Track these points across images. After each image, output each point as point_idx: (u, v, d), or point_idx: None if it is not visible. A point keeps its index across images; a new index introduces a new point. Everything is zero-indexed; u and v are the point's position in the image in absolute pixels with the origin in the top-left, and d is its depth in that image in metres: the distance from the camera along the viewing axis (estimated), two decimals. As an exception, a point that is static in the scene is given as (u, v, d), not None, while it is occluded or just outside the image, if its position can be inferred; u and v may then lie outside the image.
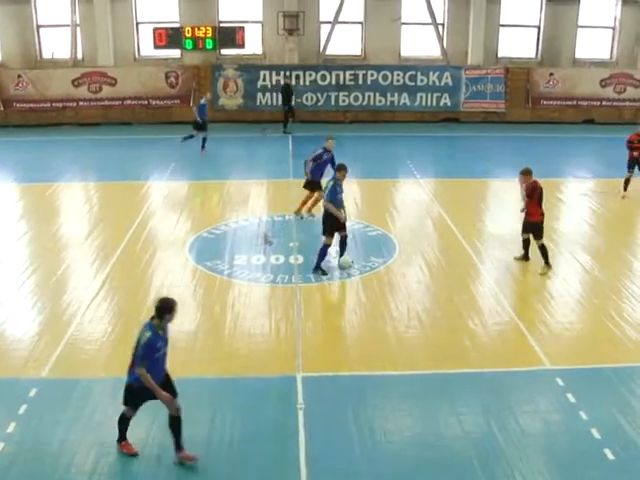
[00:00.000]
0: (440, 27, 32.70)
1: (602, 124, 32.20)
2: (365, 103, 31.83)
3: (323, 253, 14.95)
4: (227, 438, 9.36)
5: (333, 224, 14.90)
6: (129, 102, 31.29)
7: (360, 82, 31.59)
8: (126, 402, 8.96)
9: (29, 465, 8.83)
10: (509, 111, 32.42)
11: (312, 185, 18.33)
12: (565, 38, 33.35)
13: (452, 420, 9.94)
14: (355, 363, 11.48)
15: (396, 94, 31.79)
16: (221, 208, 19.90)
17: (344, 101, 31.62)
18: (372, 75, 31.51)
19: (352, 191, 21.24)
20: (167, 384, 8.84)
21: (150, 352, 8.54)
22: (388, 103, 31.89)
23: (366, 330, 12.71)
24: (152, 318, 8.66)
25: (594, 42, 33.78)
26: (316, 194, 18.13)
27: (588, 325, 13.04)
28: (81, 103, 30.96)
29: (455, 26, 32.82)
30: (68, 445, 9.20)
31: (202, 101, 26.44)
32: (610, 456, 9.12)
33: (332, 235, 14.98)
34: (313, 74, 31.33)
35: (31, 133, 29.41)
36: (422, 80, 31.68)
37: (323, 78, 31.29)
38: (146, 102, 31.35)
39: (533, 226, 15.04)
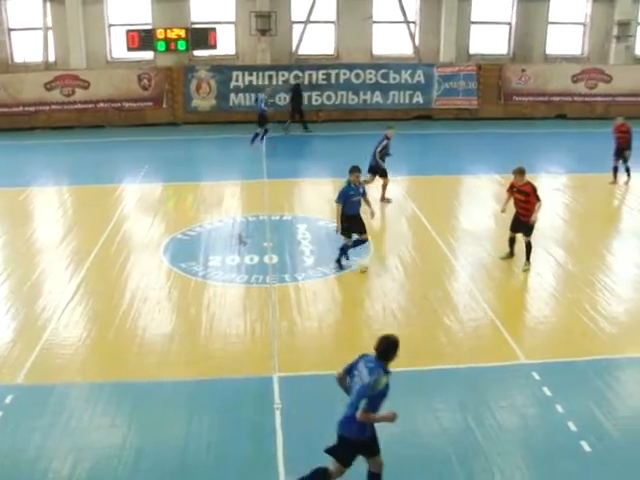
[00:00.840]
0: (412, 25, 32.83)
1: (574, 119, 32.42)
2: (338, 102, 31.84)
3: (347, 249, 15.17)
4: (204, 441, 9.34)
5: (350, 225, 14.98)
6: (102, 105, 31.07)
7: (333, 81, 31.61)
8: (341, 459, 7.98)
9: (6, 471, 8.76)
10: (482, 108, 32.56)
11: (383, 171, 19.80)
12: (536, 34, 33.60)
13: (429, 417, 9.98)
14: (331, 362, 11.37)
15: (369, 92, 31.85)
16: (195, 210, 19.79)
17: (317, 100, 31.60)
18: (345, 74, 31.51)
19: (325, 190, 21.29)
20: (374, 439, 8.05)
21: (380, 397, 7.74)
22: (361, 101, 31.94)
23: (341, 329, 12.76)
24: (379, 360, 7.83)
25: (565, 38, 34.06)
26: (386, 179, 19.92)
27: (563, 319, 13.14)
28: (54, 107, 30.73)
29: (427, 24, 32.96)
30: (45, 451, 9.14)
31: (261, 96, 27.58)
32: (586, 448, 9.21)
33: (350, 236, 15.06)
34: (286, 74, 31.27)
35: (3, 137, 29.11)
36: (394, 78, 31.76)
37: (296, 78, 31.22)
38: (119, 105, 31.16)
39: (530, 225, 15.02)
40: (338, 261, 15.13)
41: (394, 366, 11.23)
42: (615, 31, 33.07)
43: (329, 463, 8.02)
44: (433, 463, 8.98)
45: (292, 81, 31.09)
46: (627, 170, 21.60)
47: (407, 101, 32.15)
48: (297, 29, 32.44)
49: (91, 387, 10.72)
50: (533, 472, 8.78)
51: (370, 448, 7.97)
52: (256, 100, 28.03)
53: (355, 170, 14.93)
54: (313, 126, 29.93)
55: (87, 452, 9.09)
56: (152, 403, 10.30)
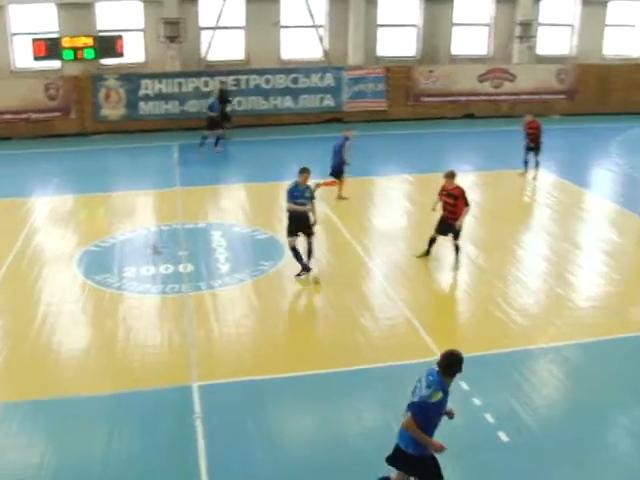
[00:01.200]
0: (320, 29, 32.99)
1: (481, 118, 33.05)
2: (249, 107, 31.77)
3: (294, 255, 14.76)
4: (125, 455, 9.23)
5: (292, 225, 14.72)
6: (7, 116, 30.27)
7: (243, 87, 31.51)
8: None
9: None
10: (391, 109, 32.87)
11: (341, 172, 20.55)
12: (442, 36, 34.12)
13: (351, 417, 10.08)
14: (251, 368, 11.46)
15: (279, 97, 31.89)
16: (108, 221, 19.42)
17: (227, 106, 31.41)
18: (255, 79, 31.46)
19: (239, 196, 21.30)
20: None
21: (435, 413, 7.60)
22: (272, 106, 31.93)
23: (259, 334, 12.73)
24: (440, 375, 7.61)
25: (470, 39, 34.73)
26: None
27: (476, 313, 13.44)
28: (-44, 120, 29.89)
29: (335, 27, 33.11)
30: (-42, 476, 8.91)
31: (211, 100, 27.93)
32: (504, 438, 9.49)
33: (293, 235, 14.73)
34: (195, 81, 31.07)
35: None
36: (304, 82, 31.87)
37: (206, 84, 31.05)
38: (26, 116, 30.45)
39: (457, 229, 15.20)
40: (304, 267, 14.79)
41: (311, 368, 11.44)
42: (517, 31, 33.89)
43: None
44: (357, 463, 9.05)
45: (202, 88, 30.87)
46: (537, 164, 22.39)
47: (318, 104, 32.28)
48: (206, 35, 32.27)
49: (5, 407, 10.46)
50: (454, 464, 8.87)
51: (422, 469, 7.80)
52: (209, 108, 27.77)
53: (304, 171, 14.67)
54: (224, 132, 29.74)
55: (2, 474, 8.88)
56: (70, 420, 10.12)
